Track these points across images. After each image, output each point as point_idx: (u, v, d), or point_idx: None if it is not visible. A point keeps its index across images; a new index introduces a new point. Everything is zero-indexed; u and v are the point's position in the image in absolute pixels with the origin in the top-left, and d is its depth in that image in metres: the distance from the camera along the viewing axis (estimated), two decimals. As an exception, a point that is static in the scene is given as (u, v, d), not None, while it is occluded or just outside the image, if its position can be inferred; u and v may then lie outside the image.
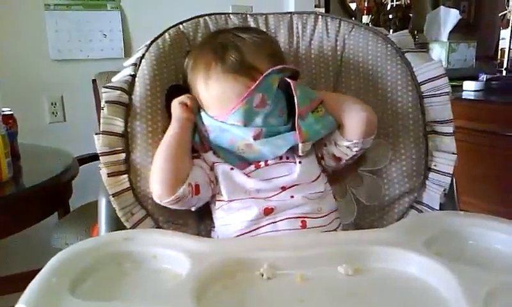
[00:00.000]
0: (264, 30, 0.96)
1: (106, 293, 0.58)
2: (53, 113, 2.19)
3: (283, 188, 0.80)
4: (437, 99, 0.86)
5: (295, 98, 0.77)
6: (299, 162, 0.82)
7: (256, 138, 0.79)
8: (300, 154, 0.81)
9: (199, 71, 0.82)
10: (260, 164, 0.82)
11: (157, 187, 0.77)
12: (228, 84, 0.79)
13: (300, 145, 0.79)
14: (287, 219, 0.77)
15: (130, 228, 0.79)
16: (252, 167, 0.82)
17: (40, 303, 0.51)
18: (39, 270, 0.58)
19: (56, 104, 2.19)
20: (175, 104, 0.83)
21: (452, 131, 0.86)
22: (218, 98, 0.80)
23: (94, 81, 2.13)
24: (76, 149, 1.81)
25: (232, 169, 0.81)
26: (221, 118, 0.81)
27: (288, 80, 0.78)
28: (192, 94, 0.86)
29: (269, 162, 0.82)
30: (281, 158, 0.82)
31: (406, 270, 0.61)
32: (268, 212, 0.78)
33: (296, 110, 0.77)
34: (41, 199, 1.36)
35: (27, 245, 1.99)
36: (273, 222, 0.77)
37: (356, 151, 0.83)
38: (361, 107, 0.83)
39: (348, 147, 0.82)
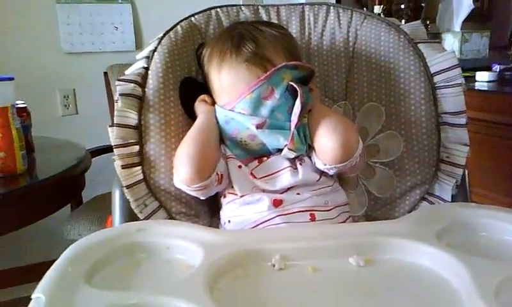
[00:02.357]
0: (276, 22, 0.96)
1: (120, 283, 0.59)
2: (65, 106, 2.21)
3: (289, 189, 0.80)
4: (450, 90, 0.86)
5: (297, 105, 0.77)
6: (300, 164, 0.81)
7: (259, 127, 0.79)
8: (282, 155, 0.80)
9: (214, 59, 0.83)
10: (263, 158, 0.83)
11: (187, 171, 0.75)
12: (239, 73, 0.79)
13: (285, 149, 0.79)
14: (296, 212, 0.77)
15: (143, 219, 0.80)
16: (256, 162, 0.83)
17: (56, 292, 0.52)
18: (52, 261, 0.59)
19: (68, 97, 2.21)
20: (197, 103, 0.86)
21: (464, 122, 0.85)
22: (229, 86, 0.81)
23: (106, 74, 2.14)
24: (88, 142, 1.83)
25: (240, 167, 0.81)
26: (228, 106, 0.81)
27: (297, 87, 0.77)
28: (207, 85, 0.87)
29: (271, 156, 0.82)
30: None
31: (418, 262, 0.61)
32: (277, 203, 0.78)
33: (294, 120, 0.77)
34: (54, 191, 1.37)
35: (40, 236, 2.02)
36: (283, 215, 0.77)
37: (333, 172, 0.81)
38: (341, 131, 0.76)
39: (325, 166, 0.79)
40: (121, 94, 0.82)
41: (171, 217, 0.83)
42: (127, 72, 0.87)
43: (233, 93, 0.80)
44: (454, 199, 0.87)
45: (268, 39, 0.82)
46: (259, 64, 0.79)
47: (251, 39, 0.81)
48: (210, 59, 0.84)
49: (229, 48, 0.81)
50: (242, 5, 0.98)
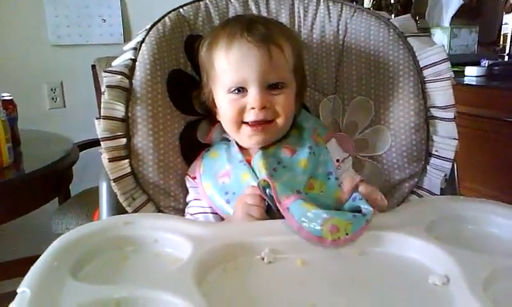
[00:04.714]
0: (265, 14, 0.95)
1: (107, 276, 0.58)
2: (53, 99, 2.19)
3: None
4: (439, 84, 0.85)
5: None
6: None
7: None
8: None
9: (221, 41, 0.80)
10: None
11: None
12: (250, 50, 0.77)
13: None
14: None
15: (131, 213, 0.79)
16: None
17: (42, 286, 0.52)
18: (40, 255, 0.58)
19: (55, 90, 2.19)
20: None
21: (453, 116, 0.85)
22: (236, 64, 0.78)
23: (93, 66, 2.12)
24: (76, 135, 1.82)
25: None
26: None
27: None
28: (202, 74, 0.86)
29: None
30: None
31: (407, 255, 0.61)
32: None
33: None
34: (41, 185, 1.36)
35: (27, 230, 2.00)
36: None
37: None
38: None
39: None
40: (108, 86, 0.80)
41: (159, 211, 0.83)
42: (113, 63, 0.86)
43: (239, 72, 0.78)
44: (442, 192, 0.87)
45: (276, 25, 0.83)
46: (267, 48, 0.77)
47: (261, 23, 0.80)
48: (216, 42, 0.81)
49: (239, 30, 0.78)
50: (232, -4, 0.97)
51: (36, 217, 1.48)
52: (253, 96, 0.77)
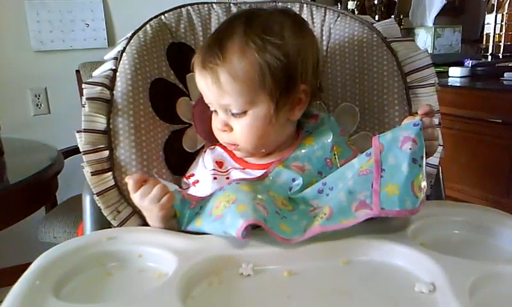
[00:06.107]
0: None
1: (91, 294, 0.57)
2: (37, 105, 2.16)
3: None
4: (423, 90, 0.86)
5: None
6: None
7: None
8: None
9: (194, 61, 0.78)
10: None
11: None
12: (200, 76, 0.76)
13: None
14: None
15: (117, 226, 0.78)
16: None
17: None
18: (27, 264, 0.58)
19: (39, 96, 2.16)
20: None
21: (438, 122, 0.85)
22: (200, 87, 0.78)
23: (78, 72, 2.09)
24: (62, 141, 1.79)
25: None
26: None
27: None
28: None
29: None
30: None
31: (393, 263, 0.61)
32: None
33: None
34: (26, 196, 1.34)
35: (14, 239, 1.98)
36: None
37: None
38: None
39: None
40: (88, 98, 0.79)
41: (145, 223, 0.81)
42: (94, 74, 0.85)
43: (202, 93, 0.78)
44: (428, 197, 0.86)
45: (238, 43, 0.73)
46: (211, 72, 0.73)
47: (219, 43, 0.73)
48: (194, 62, 0.78)
49: (201, 51, 0.76)
50: (214, 2, 0.96)
51: (23, 226, 1.45)
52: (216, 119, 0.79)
